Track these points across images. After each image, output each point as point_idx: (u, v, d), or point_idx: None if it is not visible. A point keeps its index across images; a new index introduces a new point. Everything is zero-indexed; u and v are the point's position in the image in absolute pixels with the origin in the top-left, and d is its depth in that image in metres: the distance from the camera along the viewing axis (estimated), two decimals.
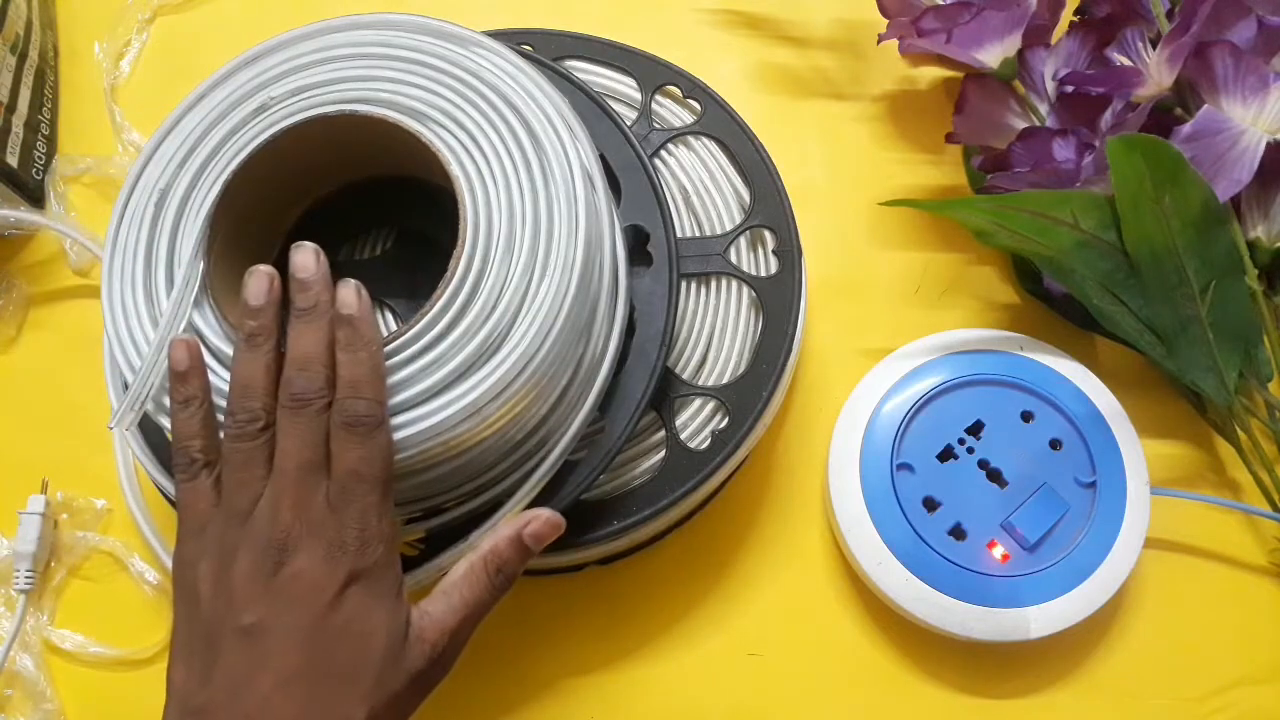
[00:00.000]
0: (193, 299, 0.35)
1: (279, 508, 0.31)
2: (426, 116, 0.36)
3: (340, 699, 0.30)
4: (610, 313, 0.38)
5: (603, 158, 0.41)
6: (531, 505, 0.37)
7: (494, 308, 0.34)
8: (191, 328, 0.35)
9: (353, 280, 0.33)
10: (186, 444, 0.32)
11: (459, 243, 0.34)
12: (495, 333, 0.33)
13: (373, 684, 0.30)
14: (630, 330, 0.39)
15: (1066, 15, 0.50)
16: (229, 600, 0.30)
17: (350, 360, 0.32)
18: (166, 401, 0.35)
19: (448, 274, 0.34)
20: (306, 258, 0.33)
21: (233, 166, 0.36)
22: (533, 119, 0.36)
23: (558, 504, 0.38)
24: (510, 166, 0.35)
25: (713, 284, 0.44)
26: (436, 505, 0.37)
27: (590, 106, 0.43)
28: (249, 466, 0.31)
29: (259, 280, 0.33)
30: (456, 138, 0.36)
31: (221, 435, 0.32)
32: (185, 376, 0.33)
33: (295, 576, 0.30)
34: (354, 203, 0.42)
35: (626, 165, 0.42)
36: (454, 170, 0.35)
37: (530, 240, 0.34)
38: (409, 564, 0.37)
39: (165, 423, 0.35)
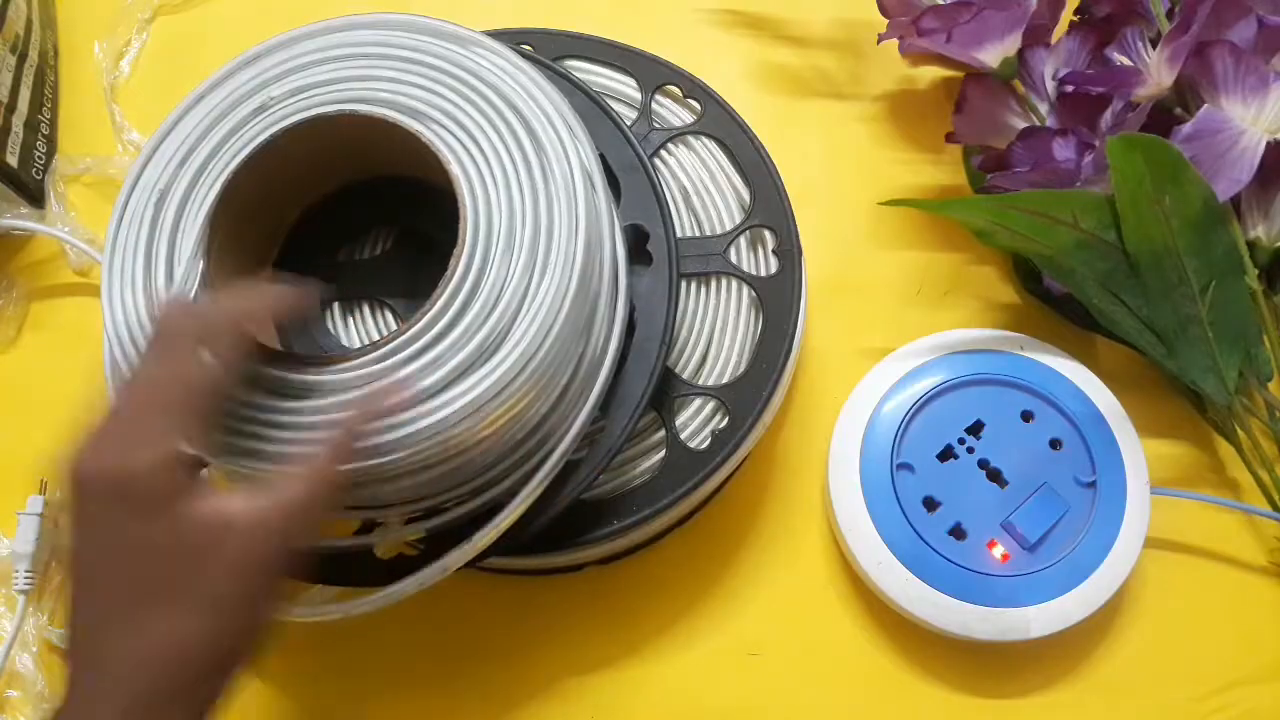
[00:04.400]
0: (193, 299, 0.35)
1: None
2: (426, 116, 0.36)
3: None
4: (610, 312, 0.38)
5: (603, 158, 0.41)
6: (533, 507, 0.37)
7: (494, 307, 0.34)
8: None
9: None
10: None
11: (459, 242, 0.34)
12: (495, 332, 0.33)
13: None
14: (630, 330, 0.39)
15: (1066, 15, 0.50)
16: None
17: None
18: None
19: (448, 274, 0.34)
20: None
21: (233, 166, 0.36)
22: (533, 119, 0.36)
23: (558, 504, 0.38)
24: (510, 166, 0.35)
25: (713, 284, 0.44)
26: (437, 505, 0.37)
27: (590, 106, 0.43)
28: None
29: None
30: (456, 137, 0.36)
31: None
32: None
33: None
34: (354, 203, 0.42)
35: (626, 165, 0.42)
36: (454, 170, 0.35)
37: (530, 240, 0.34)
38: (410, 565, 0.37)
39: None
